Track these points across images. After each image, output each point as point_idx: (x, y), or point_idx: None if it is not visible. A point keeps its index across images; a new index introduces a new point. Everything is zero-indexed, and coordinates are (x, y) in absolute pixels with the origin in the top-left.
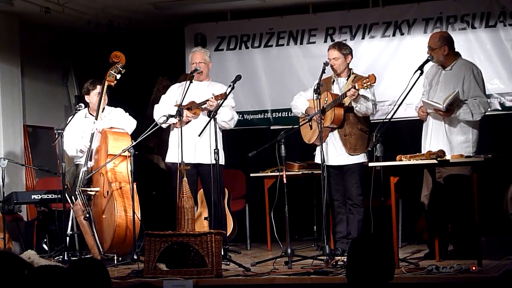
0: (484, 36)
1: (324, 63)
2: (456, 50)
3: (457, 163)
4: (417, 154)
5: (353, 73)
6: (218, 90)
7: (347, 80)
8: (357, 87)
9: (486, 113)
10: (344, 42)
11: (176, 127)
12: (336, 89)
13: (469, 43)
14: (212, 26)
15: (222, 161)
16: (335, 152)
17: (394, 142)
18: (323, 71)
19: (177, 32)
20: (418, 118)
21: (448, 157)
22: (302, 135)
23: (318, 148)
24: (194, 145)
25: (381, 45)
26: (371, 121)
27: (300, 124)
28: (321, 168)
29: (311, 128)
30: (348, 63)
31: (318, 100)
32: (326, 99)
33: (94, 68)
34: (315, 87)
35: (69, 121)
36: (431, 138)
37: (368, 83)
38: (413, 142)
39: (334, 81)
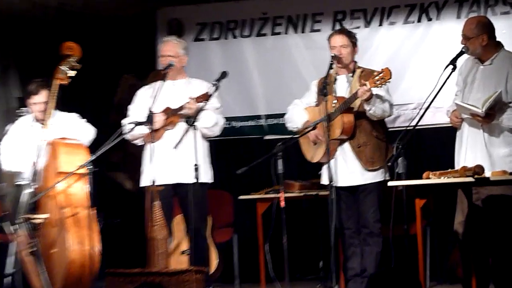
0: None
1: (332, 56)
2: (497, 39)
3: (499, 182)
4: (449, 170)
5: (358, 67)
6: (198, 88)
7: (353, 76)
8: (368, 86)
9: None
10: (354, 30)
11: (149, 142)
12: (339, 90)
13: None
14: (191, 9)
15: (207, 178)
16: (346, 169)
17: (419, 155)
18: (331, 67)
19: (147, 17)
20: (450, 125)
21: (488, 174)
22: (302, 152)
23: (324, 166)
24: (171, 162)
25: (403, 33)
26: (389, 129)
27: (302, 133)
28: (329, 189)
29: (314, 143)
30: (354, 56)
31: (325, 104)
32: (335, 102)
33: (41, 63)
34: (321, 87)
35: (9, 129)
36: (467, 150)
37: (382, 80)
38: (444, 155)
39: (335, 79)
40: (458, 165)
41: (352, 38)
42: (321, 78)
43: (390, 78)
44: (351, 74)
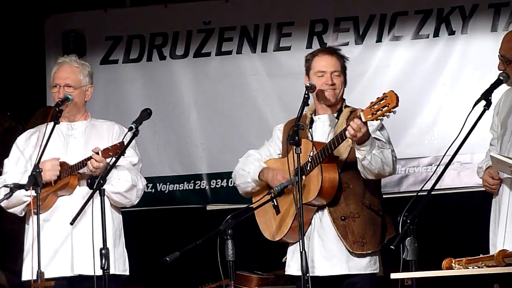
0: None
1: (307, 86)
2: None
3: None
4: (481, 256)
5: (346, 106)
6: (106, 135)
7: (338, 117)
8: (363, 118)
9: None
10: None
11: (34, 213)
12: (317, 137)
13: None
14: (97, 17)
15: (120, 269)
16: (324, 252)
17: (437, 234)
18: (305, 102)
19: (33, 28)
20: (483, 189)
21: None
22: (259, 225)
23: (291, 248)
24: (67, 245)
25: (413, 53)
26: (389, 196)
27: (256, 203)
28: (302, 283)
29: (277, 213)
30: (344, 88)
31: (296, 156)
32: (311, 153)
33: None
34: (291, 132)
35: None
36: (507, 226)
37: (385, 109)
38: (473, 234)
39: (312, 121)
40: (494, 249)
41: (345, 62)
42: (291, 120)
43: (397, 105)
44: (335, 114)
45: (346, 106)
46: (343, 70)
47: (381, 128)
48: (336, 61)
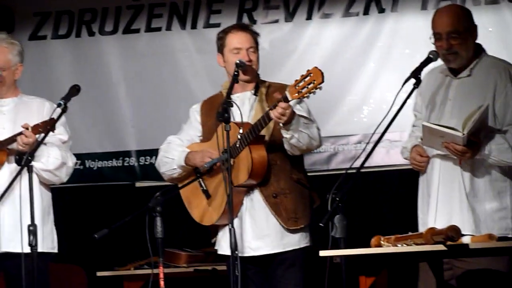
0: None
1: (237, 63)
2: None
3: (482, 251)
4: (410, 234)
5: (261, 81)
6: (35, 111)
7: (256, 94)
8: (289, 98)
9: None
10: (270, 25)
11: None
12: (236, 116)
13: (505, 28)
14: None
15: (49, 246)
16: (257, 231)
17: (366, 211)
18: (235, 78)
19: None
20: (411, 167)
21: (466, 239)
22: (188, 209)
23: (221, 229)
24: None
25: (342, 31)
26: (321, 173)
27: (182, 182)
28: (231, 262)
29: (207, 197)
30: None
31: (226, 133)
32: (240, 131)
33: None
34: (220, 110)
35: None
36: (437, 203)
37: (311, 86)
38: (402, 212)
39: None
40: (423, 227)
41: (257, 39)
42: (207, 100)
43: (323, 81)
44: (253, 91)
45: (262, 81)
46: (257, 46)
47: (300, 101)
48: (250, 37)
